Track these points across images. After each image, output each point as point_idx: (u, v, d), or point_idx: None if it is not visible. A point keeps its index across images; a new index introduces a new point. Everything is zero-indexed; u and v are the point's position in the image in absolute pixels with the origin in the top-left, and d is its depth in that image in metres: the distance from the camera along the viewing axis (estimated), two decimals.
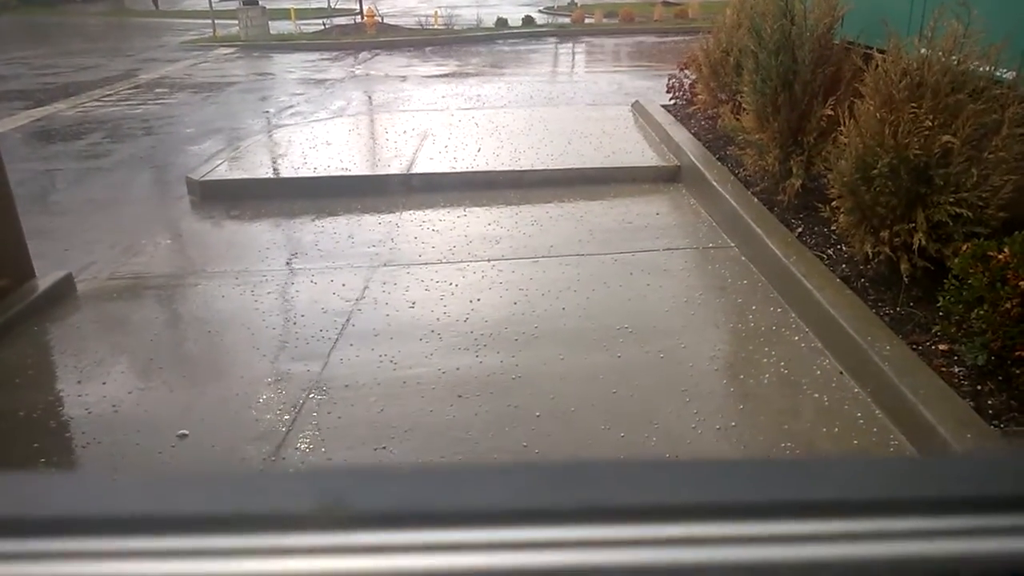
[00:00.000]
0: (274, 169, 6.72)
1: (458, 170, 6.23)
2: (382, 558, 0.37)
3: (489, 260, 4.59)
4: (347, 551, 0.37)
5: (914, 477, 0.44)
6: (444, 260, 4.63)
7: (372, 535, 0.37)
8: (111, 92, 11.77)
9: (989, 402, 2.76)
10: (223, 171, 6.45)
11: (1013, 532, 0.38)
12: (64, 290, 4.23)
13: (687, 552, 0.37)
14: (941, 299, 3.03)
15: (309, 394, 3.21)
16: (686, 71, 7.53)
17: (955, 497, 0.40)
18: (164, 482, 0.42)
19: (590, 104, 9.42)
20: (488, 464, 0.43)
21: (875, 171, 3.41)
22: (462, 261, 4.60)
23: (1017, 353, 2.74)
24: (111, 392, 3.27)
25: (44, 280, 4.19)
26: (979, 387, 2.83)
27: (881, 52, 3.65)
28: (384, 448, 2.85)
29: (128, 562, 0.36)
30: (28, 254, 4.23)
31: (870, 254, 3.56)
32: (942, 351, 3.07)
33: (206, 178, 6.20)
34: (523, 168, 6.20)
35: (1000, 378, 2.83)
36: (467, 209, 5.52)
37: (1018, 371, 2.75)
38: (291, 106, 10.34)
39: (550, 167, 6.20)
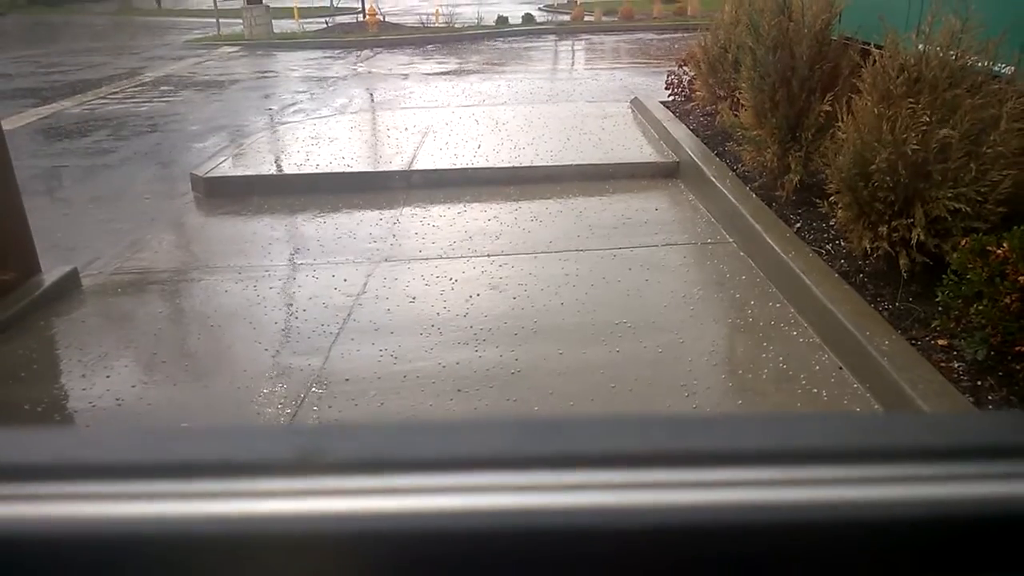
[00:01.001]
0: (277, 165, 6.75)
1: (459, 166, 6.25)
2: (357, 500, 0.39)
3: (489, 255, 4.61)
4: (324, 493, 0.39)
5: (894, 429, 0.47)
6: (444, 255, 4.66)
7: (348, 479, 0.40)
8: (116, 90, 11.81)
9: (989, 397, 2.76)
10: (227, 168, 6.48)
11: (986, 478, 0.41)
12: (69, 285, 4.26)
13: (654, 495, 0.40)
14: (940, 294, 3.04)
15: (310, 388, 3.23)
16: (685, 68, 7.54)
17: (936, 447, 0.43)
18: (156, 434, 0.44)
19: (589, 101, 9.43)
20: (457, 419, 0.45)
21: (873, 166, 3.42)
22: (462, 256, 4.62)
23: (1017, 348, 2.75)
24: (115, 386, 3.30)
25: (49, 275, 4.22)
26: (979, 382, 2.84)
27: (879, 48, 3.66)
28: None
29: (123, 503, 0.39)
30: (34, 249, 4.26)
31: (869, 249, 3.58)
32: (941, 346, 3.08)
33: (210, 174, 6.23)
34: (523, 164, 6.22)
35: (1000, 373, 2.84)
36: (467, 205, 5.54)
37: (1018, 366, 2.76)
38: (294, 103, 10.37)
39: (550, 163, 6.22)
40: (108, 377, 3.37)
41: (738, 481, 0.40)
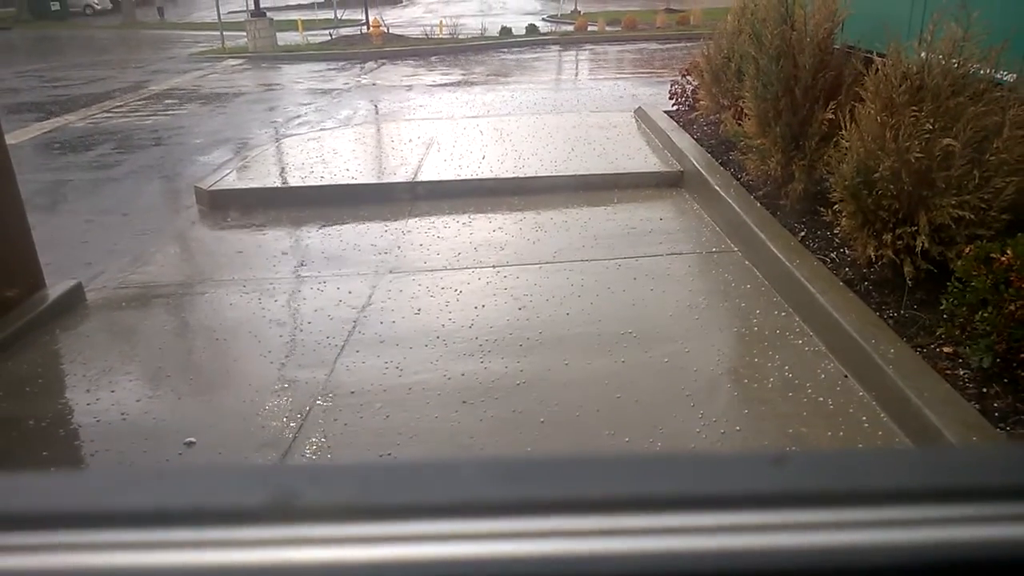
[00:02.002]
0: (282, 178, 6.77)
1: (463, 177, 6.26)
2: (331, 550, 0.38)
3: (494, 266, 4.61)
4: (299, 543, 0.38)
5: (913, 467, 0.44)
6: (449, 267, 4.66)
7: (321, 528, 0.39)
8: (121, 104, 11.88)
9: (995, 404, 2.75)
10: (231, 180, 6.50)
11: (1016, 520, 0.39)
12: (74, 299, 4.28)
13: (651, 542, 0.38)
14: (945, 302, 3.03)
15: (315, 400, 3.23)
16: (688, 77, 7.55)
17: (959, 486, 0.41)
18: (120, 477, 0.43)
19: (593, 111, 9.45)
20: (435, 460, 0.44)
21: (877, 174, 3.42)
22: (467, 267, 4.62)
23: (1022, 355, 2.74)
24: (120, 400, 3.30)
25: (54, 289, 4.23)
26: (984, 390, 2.83)
27: (881, 56, 3.66)
28: (389, 454, 2.87)
29: (82, 554, 0.38)
30: (39, 264, 4.27)
31: (873, 257, 3.57)
32: (946, 354, 3.07)
33: (214, 187, 6.25)
34: (527, 175, 6.23)
35: (1006, 380, 2.82)
36: (472, 216, 5.55)
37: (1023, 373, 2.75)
38: (298, 116, 10.41)
39: (554, 173, 6.23)
40: (113, 392, 3.37)
41: (729, 526, 0.38)
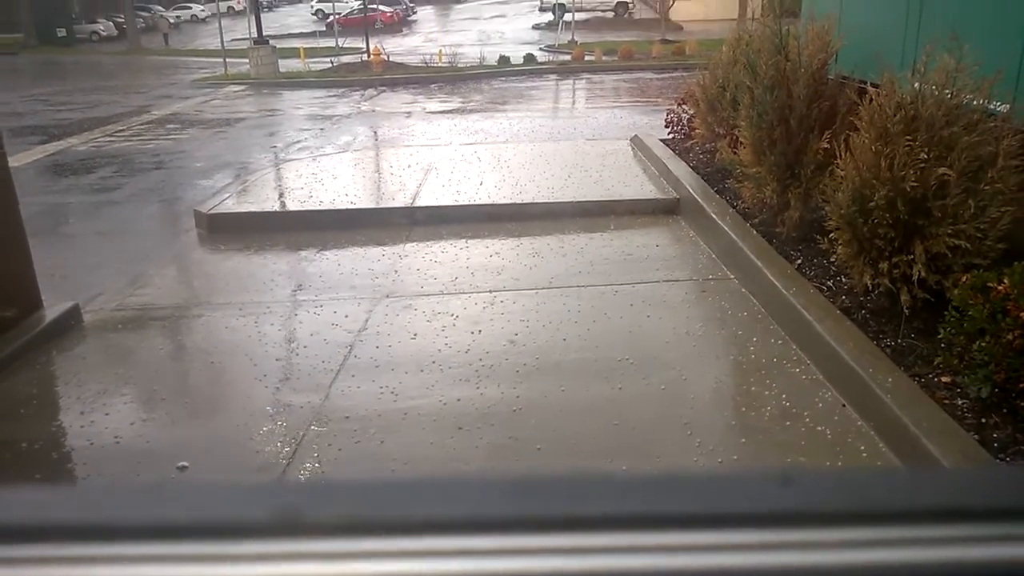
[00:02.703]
0: (281, 203, 6.79)
1: (460, 203, 6.28)
2: (335, 565, 0.38)
3: (491, 291, 4.61)
4: (300, 557, 0.38)
5: (914, 487, 0.45)
6: (446, 292, 4.66)
7: (326, 543, 0.39)
8: (123, 128, 11.96)
9: (994, 435, 2.73)
10: (231, 204, 6.53)
11: (1010, 540, 0.39)
12: (71, 321, 4.27)
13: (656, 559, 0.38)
14: (942, 330, 3.02)
15: (310, 426, 3.21)
16: (684, 106, 7.62)
17: (954, 507, 0.41)
18: (125, 490, 0.43)
19: (590, 138, 9.52)
20: (438, 477, 0.44)
21: (872, 203, 3.44)
22: (464, 293, 4.62)
23: (1021, 385, 2.73)
24: (114, 423, 3.28)
25: (51, 310, 4.23)
26: (983, 419, 2.81)
27: (875, 86, 3.70)
28: None
29: (86, 567, 0.38)
30: (36, 285, 4.27)
31: (870, 286, 3.58)
32: (945, 383, 3.06)
33: (214, 211, 6.27)
34: (524, 201, 6.26)
35: (1005, 410, 2.81)
36: (469, 241, 5.56)
37: (1022, 403, 2.74)
38: (298, 141, 10.48)
39: (551, 200, 6.26)
40: (107, 414, 3.35)
41: (733, 545, 0.38)
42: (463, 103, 13.93)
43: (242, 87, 17.29)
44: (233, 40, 22.85)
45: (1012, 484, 0.45)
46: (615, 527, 0.39)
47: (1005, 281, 2.82)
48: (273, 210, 6.52)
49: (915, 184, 3.31)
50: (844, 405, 3.22)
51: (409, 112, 12.98)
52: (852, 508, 0.40)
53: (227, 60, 19.61)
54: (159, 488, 0.44)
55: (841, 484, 0.44)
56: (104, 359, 4.00)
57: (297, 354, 3.91)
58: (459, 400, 3.37)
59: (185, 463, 2.97)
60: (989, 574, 0.38)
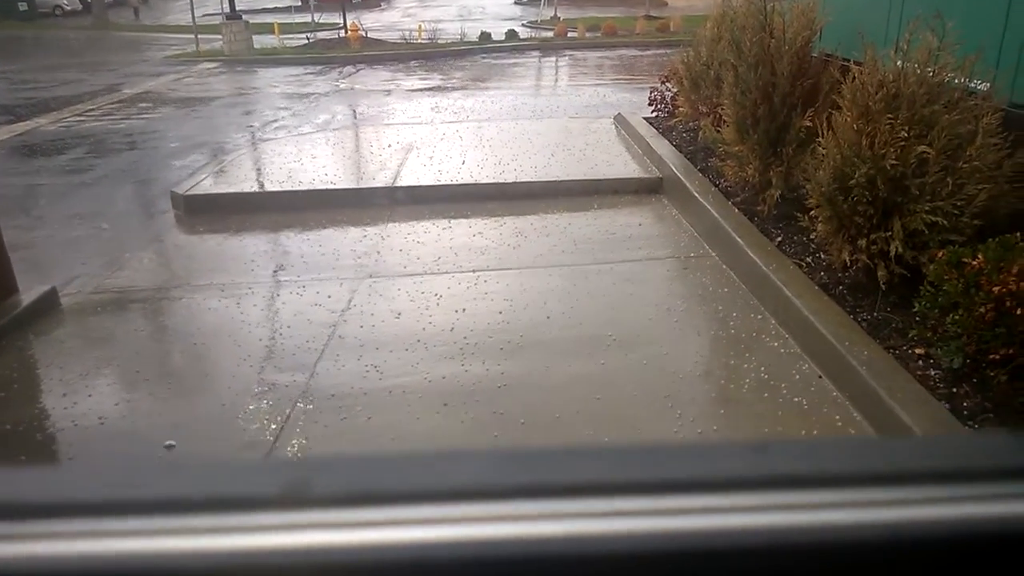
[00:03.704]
0: (259, 183, 6.73)
1: (443, 183, 6.27)
2: (343, 533, 0.40)
3: (474, 271, 4.62)
4: (311, 527, 0.40)
5: (878, 453, 0.48)
6: (429, 271, 4.66)
7: (334, 513, 0.41)
8: (93, 107, 11.74)
9: (964, 404, 2.81)
10: (207, 185, 6.46)
11: (994, 499, 0.42)
12: (48, 304, 4.22)
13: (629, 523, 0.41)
14: (917, 304, 3.09)
15: (296, 404, 3.22)
16: (668, 84, 7.62)
17: (924, 470, 0.44)
18: (141, 469, 0.46)
19: (573, 116, 9.51)
20: (438, 451, 0.47)
21: (852, 181, 3.48)
22: (447, 272, 4.63)
23: (991, 356, 2.80)
24: (97, 405, 3.27)
25: (28, 294, 4.18)
26: (955, 389, 2.89)
27: (858, 64, 3.73)
28: None
29: (107, 541, 0.40)
30: (11, 269, 4.22)
31: (848, 262, 3.63)
32: (918, 355, 3.13)
33: (191, 192, 6.20)
34: (507, 180, 6.25)
35: (975, 380, 2.89)
36: (452, 221, 5.56)
37: (992, 373, 2.81)
38: (275, 120, 10.36)
39: (534, 179, 6.26)
40: (90, 396, 3.34)
41: (713, 508, 0.41)
42: (444, 80, 13.83)
43: (215, 64, 17.01)
44: (205, 15, 22.46)
45: (977, 449, 0.49)
46: (602, 493, 0.42)
47: (980, 257, 2.88)
48: (251, 190, 6.46)
49: (895, 162, 3.35)
50: (820, 376, 3.29)
51: (389, 90, 12.87)
52: (821, 472, 0.44)
53: (199, 36, 19.24)
54: (179, 466, 0.46)
55: (812, 451, 0.47)
56: (84, 342, 3.97)
57: (280, 334, 3.91)
58: (444, 377, 3.39)
59: (172, 442, 2.97)
60: (956, 533, 0.41)
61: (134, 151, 8.76)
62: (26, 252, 4.98)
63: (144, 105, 11.94)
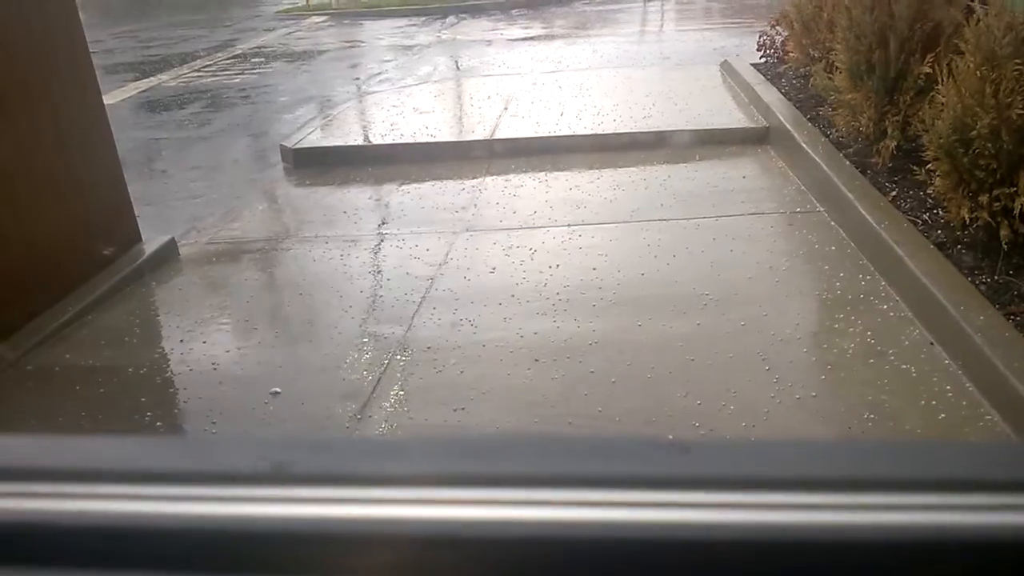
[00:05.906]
0: (363, 136, 6.89)
1: (540, 134, 6.23)
2: (327, 508, 0.44)
3: (569, 225, 4.60)
4: (295, 501, 0.44)
5: (917, 458, 0.47)
6: (525, 225, 4.67)
7: (317, 490, 0.44)
8: (211, 62, 12.24)
9: None
10: (315, 139, 6.66)
11: (1011, 509, 0.41)
12: (168, 254, 4.50)
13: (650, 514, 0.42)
14: None
15: (394, 355, 3.33)
16: (778, 28, 7.25)
17: (957, 478, 0.43)
18: (136, 442, 0.53)
19: (677, 64, 9.20)
20: (413, 437, 0.51)
21: (974, 132, 3.24)
22: (543, 226, 4.63)
23: None
24: (211, 351, 3.48)
25: (149, 244, 4.46)
26: None
27: (984, 4, 3.44)
28: (463, 409, 2.94)
29: (103, 502, 0.45)
30: (135, 219, 4.50)
31: (967, 219, 3.40)
32: None
33: (299, 145, 6.41)
34: (606, 131, 6.15)
35: None
36: (549, 174, 5.53)
37: None
38: (379, 72, 10.52)
39: (634, 130, 6.13)
40: (204, 343, 3.55)
41: (739, 504, 0.42)
42: (545, 29, 13.63)
43: (324, 18, 17.36)
44: None
45: (983, 457, 0.48)
46: (585, 485, 0.43)
47: None
48: (355, 144, 6.62)
49: (1022, 112, 3.09)
50: (932, 343, 3.12)
51: (490, 40, 12.80)
52: (828, 474, 0.44)
53: None
54: (186, 441, 0.53)
55: (824, 452, 0.48)
56: (200, 291, 4.22)
57: (381, 286, 4.03)
58: (536, 333, 3.42)
59: (278, 389, 3.13)
60: (961, 540, 0.41)
61: (247, 105, 9.10)
62: (148, 203, 5.30)
63: (257, 60, 12.35)
